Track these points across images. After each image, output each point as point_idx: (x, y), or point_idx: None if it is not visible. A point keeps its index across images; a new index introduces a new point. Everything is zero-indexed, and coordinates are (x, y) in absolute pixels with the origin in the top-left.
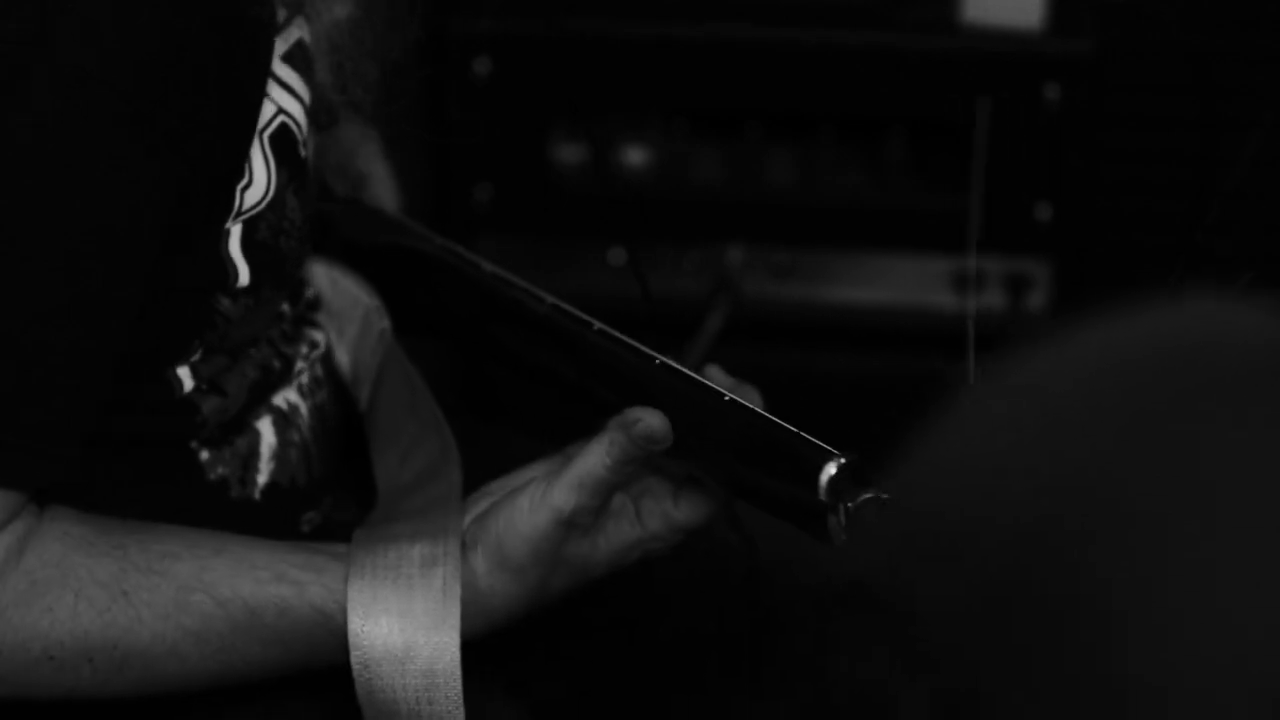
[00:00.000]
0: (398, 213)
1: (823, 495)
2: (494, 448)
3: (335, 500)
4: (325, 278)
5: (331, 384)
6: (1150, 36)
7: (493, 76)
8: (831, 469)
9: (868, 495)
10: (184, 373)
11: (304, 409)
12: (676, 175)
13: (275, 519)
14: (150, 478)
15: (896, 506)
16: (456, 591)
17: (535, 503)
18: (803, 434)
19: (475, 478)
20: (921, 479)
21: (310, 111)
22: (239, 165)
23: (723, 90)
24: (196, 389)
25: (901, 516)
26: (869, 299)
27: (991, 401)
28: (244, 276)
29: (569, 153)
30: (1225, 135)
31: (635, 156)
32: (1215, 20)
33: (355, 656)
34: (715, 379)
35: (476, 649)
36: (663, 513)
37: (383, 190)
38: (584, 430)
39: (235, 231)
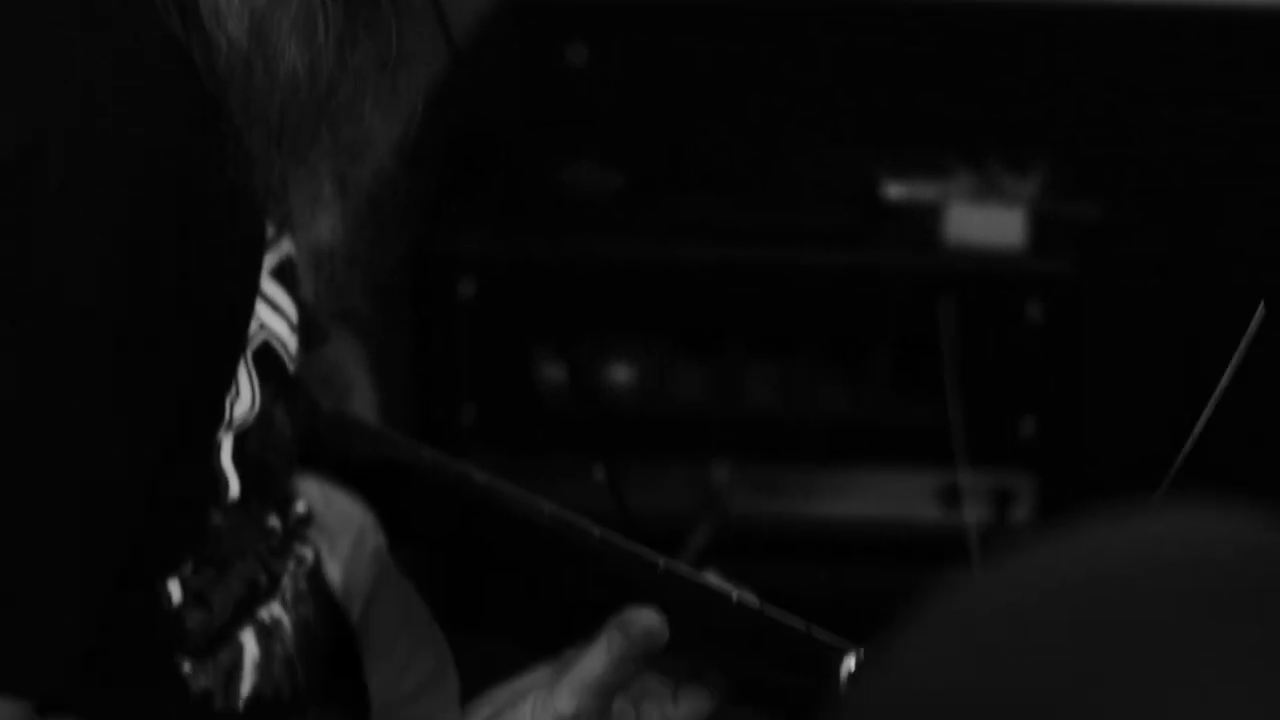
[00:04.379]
0: (382, 425)
1: (844, 687)
2: (483, 658)
3: (321, 712)
4: (318, 493)
5: (319, 598)
6: (1128, 252)
7: (476, 298)
8: (852, 662)
9: None
10: (174, 586)
11: (287, 622)
12: (660, 393)
13: None
14: (137, 690)
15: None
16: None
17: (538, 709)
18: (813, 629)
19: (467, 688)
20: (885, 701)
21: (298, 328)
22: (228, 378)
23: (703, 311)
24: (184, 602)
25: None
26: (854, 514)
27: (964, 618)
28: (234, 489)
29: (553, 371)
30: (1207, 350)
31: (619, 374)
32: (1193, 236)
33: None
34: (714, 583)
35: None
36: (662, 715)
37: (363, 401)
38: (575, 638)
39: (226, 444)
